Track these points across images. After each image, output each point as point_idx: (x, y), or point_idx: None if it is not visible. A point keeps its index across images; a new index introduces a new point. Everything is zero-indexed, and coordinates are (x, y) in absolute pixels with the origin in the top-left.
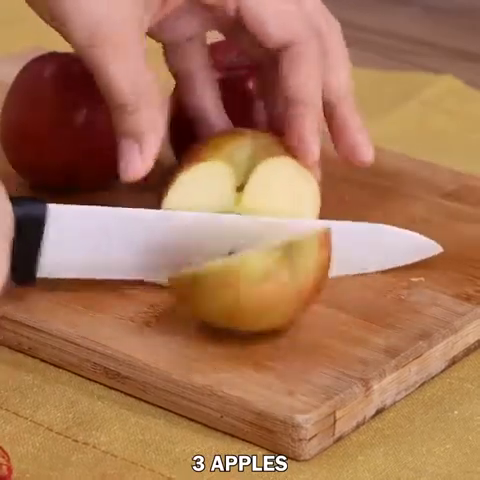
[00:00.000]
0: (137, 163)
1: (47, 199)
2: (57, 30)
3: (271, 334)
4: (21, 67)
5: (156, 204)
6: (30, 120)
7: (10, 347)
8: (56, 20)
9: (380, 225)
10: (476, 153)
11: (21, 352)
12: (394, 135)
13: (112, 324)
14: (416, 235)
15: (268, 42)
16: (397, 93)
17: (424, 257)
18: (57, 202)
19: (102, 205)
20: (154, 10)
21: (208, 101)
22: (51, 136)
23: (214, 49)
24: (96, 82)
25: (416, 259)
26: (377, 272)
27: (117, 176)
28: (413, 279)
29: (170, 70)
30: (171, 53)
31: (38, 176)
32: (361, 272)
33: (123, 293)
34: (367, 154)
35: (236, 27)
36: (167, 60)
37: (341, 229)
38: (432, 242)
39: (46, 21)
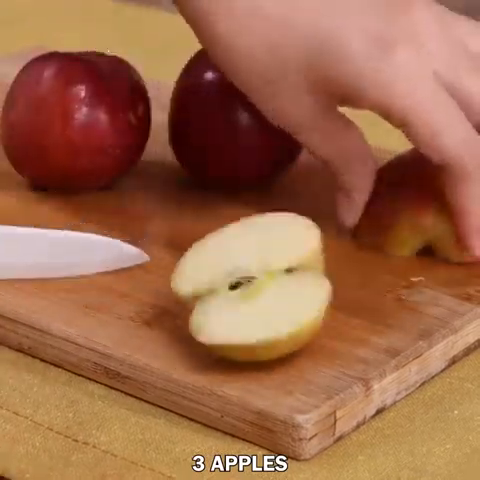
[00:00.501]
0: (346, 214)
1: (47, 199)
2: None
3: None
4: (21, 67)
5: (156, 203)
6: (30, 120)
7: (10, 347)
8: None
9: (89, 235)
10: None
11: (21, 352)
12: (394, 135)
13: (112, 324)
14: (125, 245)
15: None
16: None
17: (131, 265)
18: (57, 202)
19: (102, 205)
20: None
21: None
22: (51, 136)
23: None
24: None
25: (123, 266)
26: (375, 270)
27: (117, 176)
28: (413, 279)
29: None
30: None
31: (38, 176)
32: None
33: (123, 293)
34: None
35: None
36: None
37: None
38: (138, 251)
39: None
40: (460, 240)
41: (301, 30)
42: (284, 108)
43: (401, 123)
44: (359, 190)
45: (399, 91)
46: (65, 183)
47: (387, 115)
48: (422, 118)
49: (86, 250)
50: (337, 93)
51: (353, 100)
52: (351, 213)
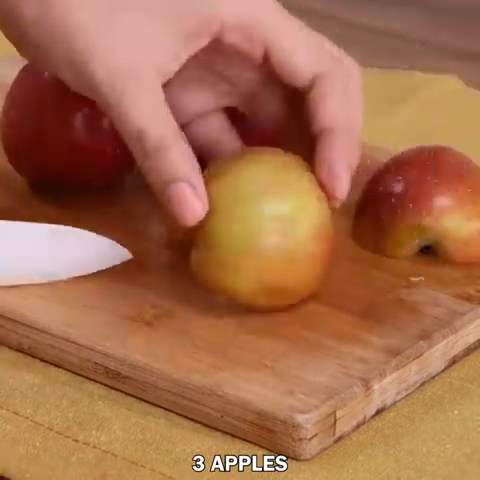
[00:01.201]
0: (196, 203)
1: (47, 199)
2: (76, 75)
3: (272, 333)
4: (21, 67)
5: (156, 203)
6: (30, 120)
7: (10, 347)
8: (73, 57)
9: (70, 229)
10: (476, 153)
11: (21, 352)
12: (394, 135)
13: (113, 324)
14: (108, 241)
15: (299, 77)
16: (397, 93)
17: (114, 264)
18: (57, 202)
19: (102, 205)
20: (182, 53)
21: None
22: (51, 136)
23: None
24: (118, 123)
25: (105, 266)
26: (375, 270)
27: (116, 177)
28: (413, 279)
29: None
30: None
31: (38, 176)
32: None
33: (124, 293)
34: (341, 192)
35: (252, 97)
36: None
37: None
38: (123, 249)
39: (57, 67)
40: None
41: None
42: None
43: None
44: (195, 165)
45: None
46: (65, 183)
47: None
48: None
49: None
50: None
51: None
52: (201, 199)
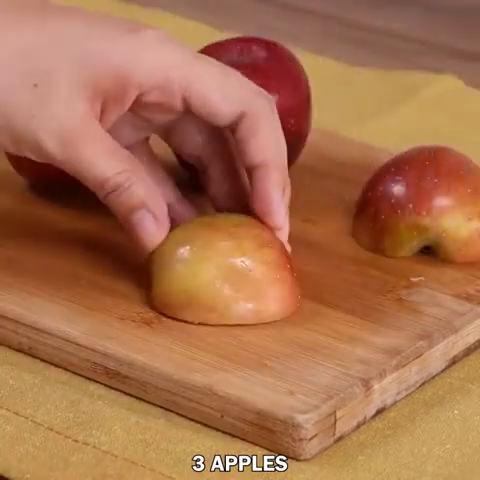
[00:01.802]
0: (155, 229)
1: (47, 199)
2: (20, 149)
3: (272, 333)
4: None
5: None
6: None
7: (10, 347)
8: (20, 139)
9: None
10: (476, 153)
11: (21, 352)
12: (394, 135)
13: (112, 324)
14: None
15: (220, 119)
16: (397, 93)
17: None
18: (57, 202)
19: (102, 205)
20: (105, 114)
21: (169, 196)
22: None
23: (214, 49)
24: (83, 181)
25: None
26: (375, 270)
27: None
28: (413, 279)
29: None
30: None
31: (38, 176)
32: None
33: (124, 293)
34: (279, 223)
35: (171, 128)
36: None
37: None
38: None
39: (6, 147)
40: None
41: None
42: None
43: None
44: (156, 193)
45: None
46: (65, 183)
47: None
48: None
49: None
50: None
51: None
52: (162, 225)
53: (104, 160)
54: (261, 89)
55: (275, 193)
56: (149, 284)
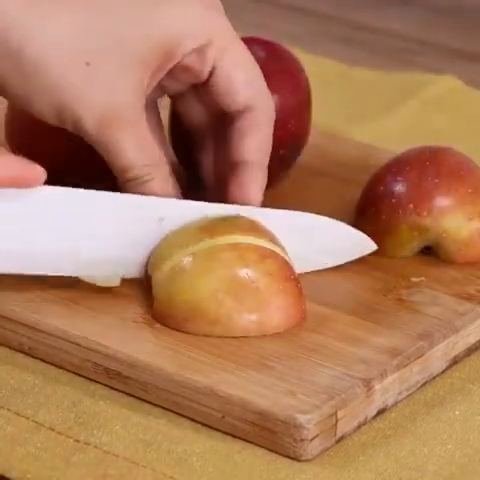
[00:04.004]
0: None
1: None
2: (61, 122)
3: (272, 334)
4: None
5: None
6: (33, 121)
7: (11, 347)
8: (63, 112)
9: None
10: (476, 153)
11: (22, 352)
12: (394, 135)
13: (113, 324)
14: (353, 231)
15: (234, 102)
16: (397, 93)
17: (360, 255)
18: None
19: None
20: (150, 83)
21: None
22: (52, 134)
23: None
24: (108, 162)
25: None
26: (375, 270)
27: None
28: (413, 279)
29: None
30: None
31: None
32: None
33: (124, 293)
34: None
35: (182, 95)
36: None
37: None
38: (367, 239)
39: (44, 117)
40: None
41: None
42: None
43: None
44: (170, 194)
45: None
46: (65, 181)
47: None
48: None
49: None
50: None
51: None
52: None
53: (134, 150)
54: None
55: (256, 188)
56: (151, 294)
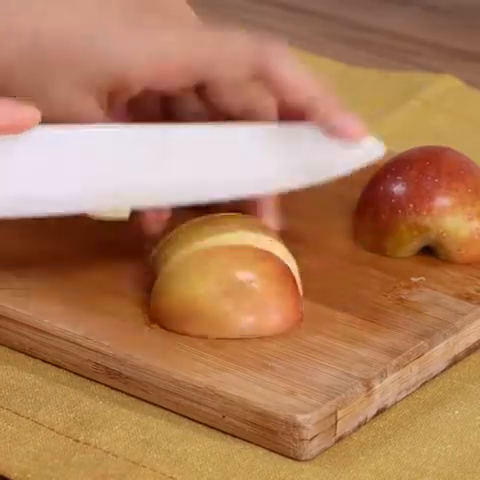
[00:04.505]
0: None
1: None
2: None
3: (272, 334)
4: None
5: None
6: None
7: (11, 347)
8: (105, 67)
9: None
10: (476, 153)
11: (22, 352)
12: (394, 135)
13: (113, 324)
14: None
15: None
16: (397, 93)
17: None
18: None
19: None
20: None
21: None
22: None
23: None
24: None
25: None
26: (376, 270)
27: None
28: (413, 279)
29: None
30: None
31: None
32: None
33: (125, 293)
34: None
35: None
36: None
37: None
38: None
39: (69, 97)
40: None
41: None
42: None
43: None
44: None
45: None
46: None
47: None
48: None
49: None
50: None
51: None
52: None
53: None
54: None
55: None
56: (150, 296)
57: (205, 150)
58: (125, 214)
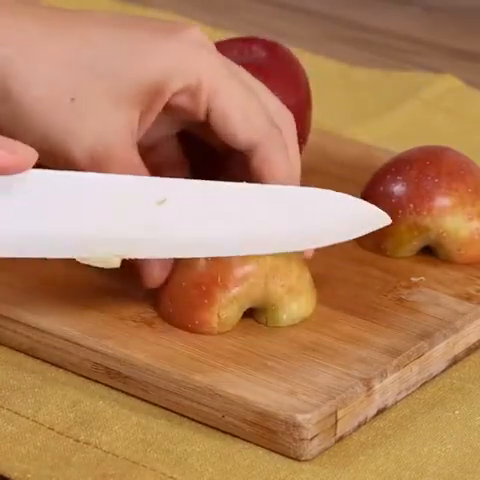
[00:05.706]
0: (158, 271)
1: None
2: (54, 160)
3: (272, 334)
4: None
5: None
6: None
7: (11, 347)
8: (53, 148)
9: (327, 191)
10: (476, 153)
11: (22, 352)
12: (394, 135)
13: (113, 324)
14: (364, 204)
15: (236, 142)
16: (397, 93)
17: (374, 228)
18: None
19: None
20: (141, 123)
21: None
22: None
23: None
24: None
25: (367, 230)
26: (376, 270)
27: None
28: (413, 279)
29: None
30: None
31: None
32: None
33: (124, 293)
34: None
35: (205, 125)
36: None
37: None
38: (381, 212)
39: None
40: None
41: None
42: None
43: None
44: None
45: None
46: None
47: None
48: None
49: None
50: None
51: None
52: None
53: None
54: (279, 110)
55: None
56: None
57: (204, 206)
58: (116, 264)
